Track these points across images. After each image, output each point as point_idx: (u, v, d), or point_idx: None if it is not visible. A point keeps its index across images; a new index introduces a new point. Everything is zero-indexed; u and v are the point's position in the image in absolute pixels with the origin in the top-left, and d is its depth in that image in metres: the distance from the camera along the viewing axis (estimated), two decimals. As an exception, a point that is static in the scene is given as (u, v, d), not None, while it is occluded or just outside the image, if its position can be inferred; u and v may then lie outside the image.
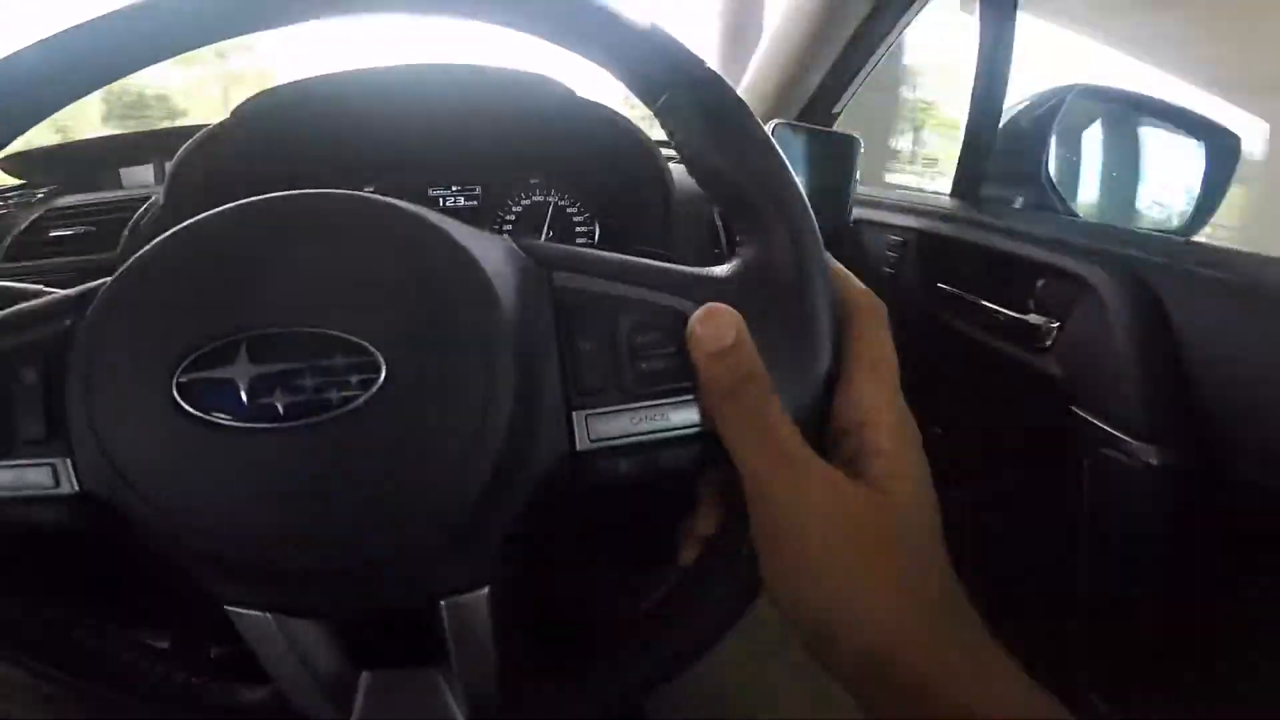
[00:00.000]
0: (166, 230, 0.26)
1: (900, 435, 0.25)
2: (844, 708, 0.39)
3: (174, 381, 0.23)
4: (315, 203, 0.26)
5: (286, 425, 0.23)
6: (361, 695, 0.29)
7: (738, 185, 0.27)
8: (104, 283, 0.26)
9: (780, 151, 0.27)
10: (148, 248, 0.25)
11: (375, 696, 0.29)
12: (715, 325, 0.25)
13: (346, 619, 0.29)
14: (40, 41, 0.26)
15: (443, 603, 0.26)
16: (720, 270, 0.27)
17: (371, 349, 0.23)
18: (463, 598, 0.26)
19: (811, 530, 0.23)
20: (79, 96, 0.28)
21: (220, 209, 0.26)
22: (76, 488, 0.25)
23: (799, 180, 0.27)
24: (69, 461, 0.25)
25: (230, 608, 0.26)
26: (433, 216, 0.26)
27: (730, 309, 0.25)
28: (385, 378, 0.23)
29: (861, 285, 0.29)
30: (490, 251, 0.26)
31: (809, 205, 0.27)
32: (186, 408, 0.23)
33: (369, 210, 0.25)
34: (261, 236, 0.25)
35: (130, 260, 0.25)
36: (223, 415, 0.23)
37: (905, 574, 0.23)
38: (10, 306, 0.27)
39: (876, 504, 0.24)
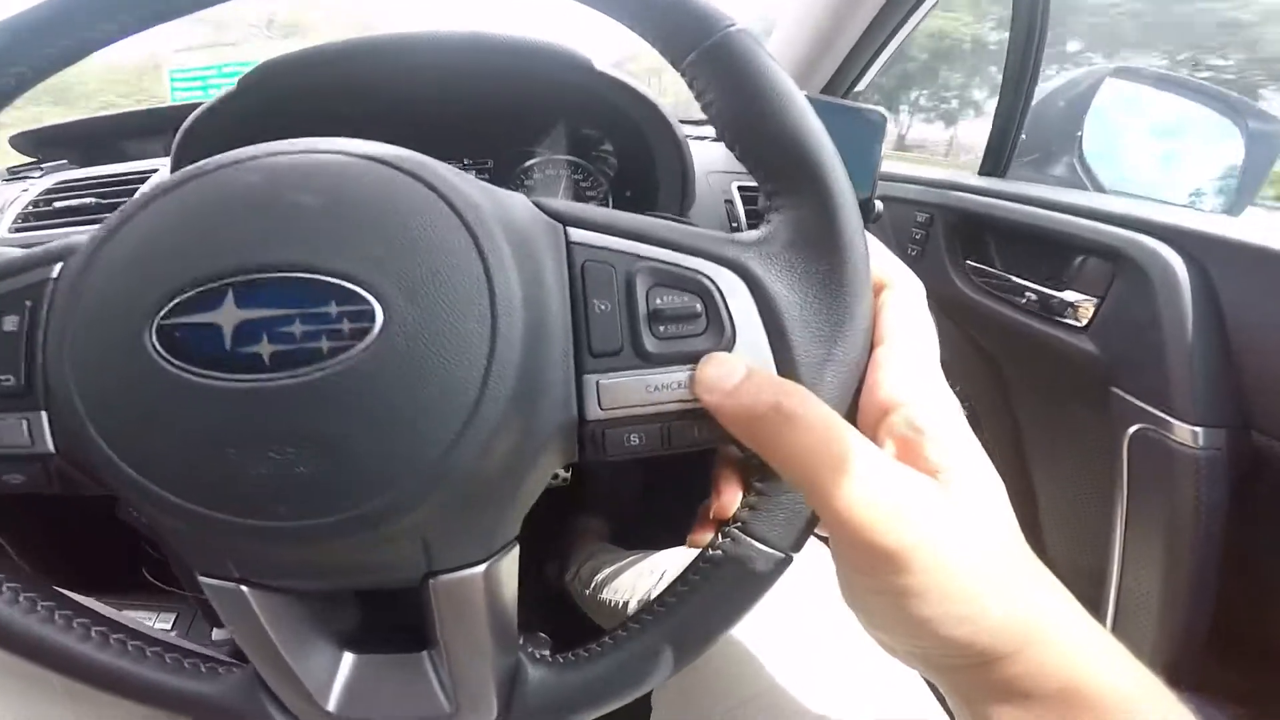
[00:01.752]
0: None
1: (948, 416, 0.24)
2: (859, 706, 0.37)
3: (154, 327, 0.21)
4: (313, 149, 0.24)
5: (270, 377, 0.21)
6: (342, 680, 0.27)
7: (768, 143, 0.25)
8: (92, 233, 0.24)
9: (813, 110, 0.25)
10: (133, 198, 0.24)
11: (356, 681, 0.27)
12: (721, 364, 0.23)
13: (325, 597, 0.27)
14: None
15: (431, 582, 0.24)
16: (749, 234, 0.25)
17: (368, 297, 0.21)
18: (454, 576, 0.24)
19: (905, 551, 0.21)
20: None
21: (211, 159, 0.24)
22: (51, 445, 0.23)
23: None
24: (44, 415, 0.23)
25: (203, 578, 0.24)
26: (440, 167, 0.24)
27: (734, 355, 0.24)
28: (380, 329, 0.21)
29: (896, 259, 0.27)
30: (502, 205, 0.24)
31: (843, 167, 0.25)
32: (165, 355, 0.21)
33: (372, 156, 0.23)
34: (254, 182, 0.23)
35: (116, 211, 0.24)
36: (204, 364, 0.21)
37: (1001, 565, 0.22)
38: None
39: (954, 502, 0.22)
